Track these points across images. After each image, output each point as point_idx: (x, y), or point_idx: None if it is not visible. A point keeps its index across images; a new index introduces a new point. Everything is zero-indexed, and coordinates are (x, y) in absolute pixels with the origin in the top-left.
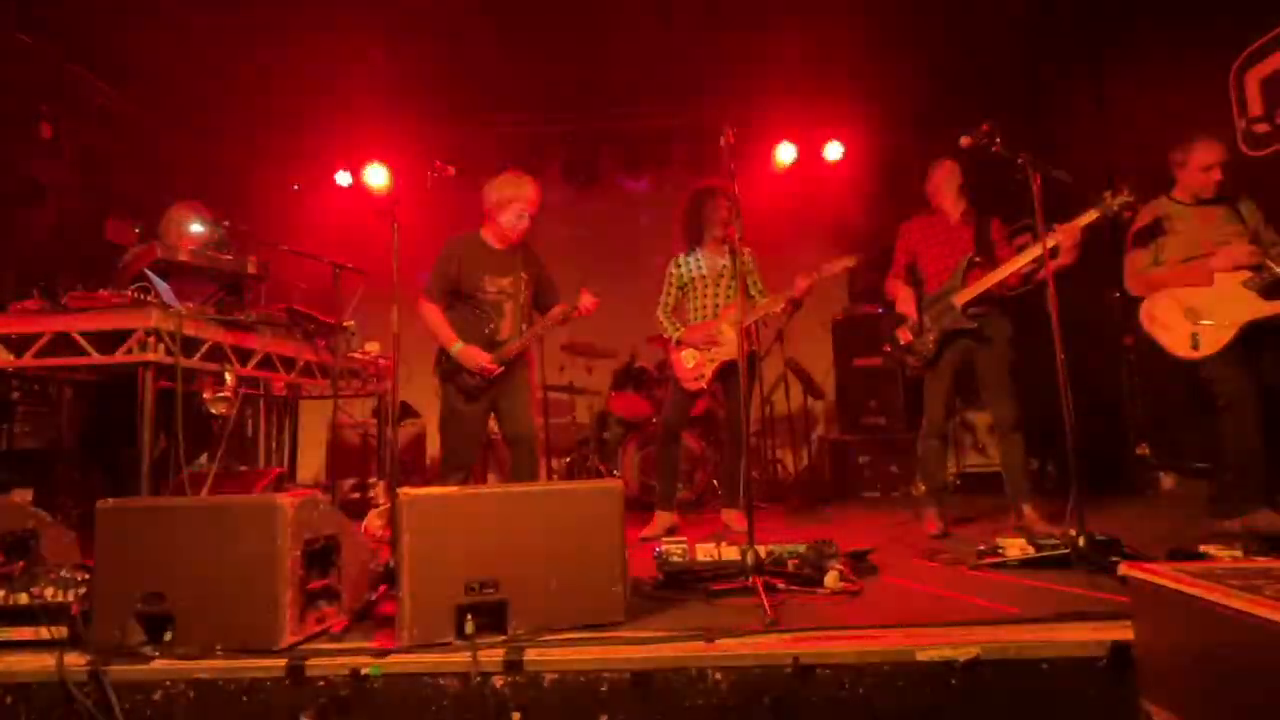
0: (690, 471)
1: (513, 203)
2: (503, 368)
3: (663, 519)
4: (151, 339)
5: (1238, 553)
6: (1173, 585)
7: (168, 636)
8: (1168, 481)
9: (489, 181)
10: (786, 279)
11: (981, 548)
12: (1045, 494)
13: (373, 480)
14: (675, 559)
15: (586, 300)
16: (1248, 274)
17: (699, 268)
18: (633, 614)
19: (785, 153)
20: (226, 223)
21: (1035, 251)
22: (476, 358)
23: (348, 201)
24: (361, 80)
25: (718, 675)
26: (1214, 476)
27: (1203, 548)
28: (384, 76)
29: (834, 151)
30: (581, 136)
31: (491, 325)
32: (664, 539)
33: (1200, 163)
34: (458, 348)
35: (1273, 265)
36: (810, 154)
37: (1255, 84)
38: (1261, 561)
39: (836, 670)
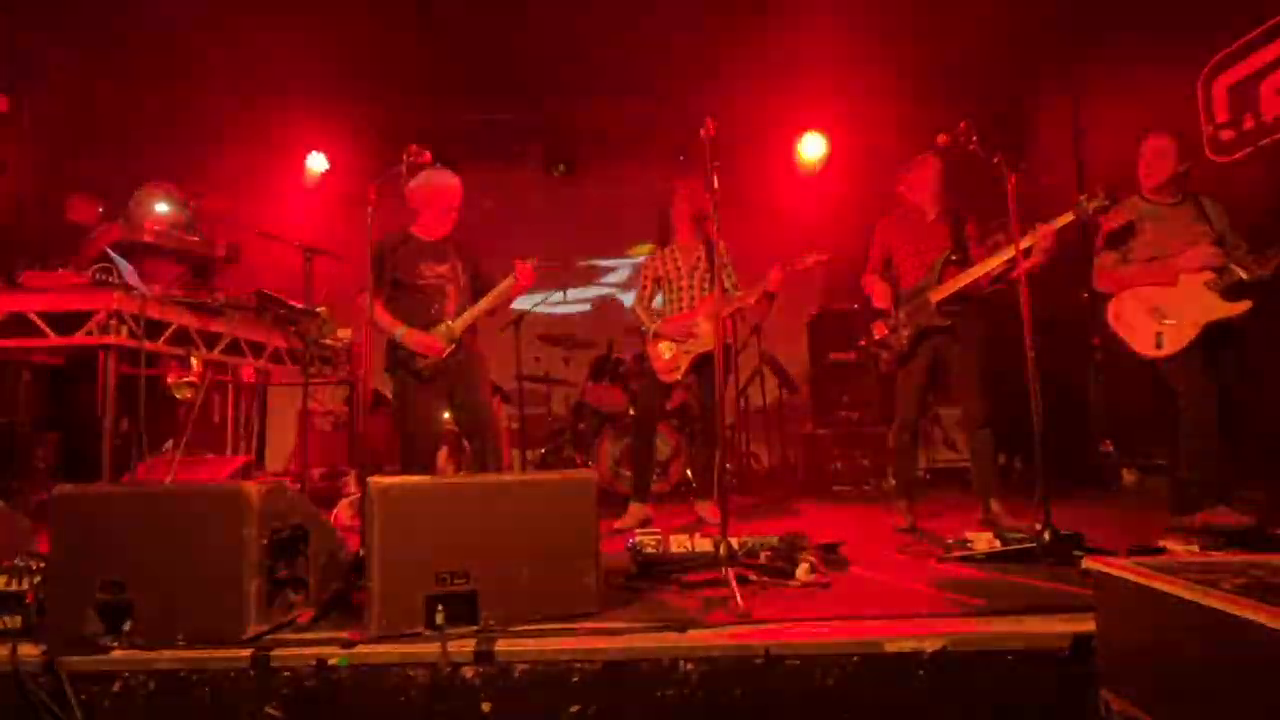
0: (665, 464)
1: (436, 199)
2: (452, 346)
3: (637, 510)
4: (113, 321)
5: (1195, 548)
6: (1133, 579)
7: (127, 626)
8: (1129, 477)
9: (410, 182)
10: (762, 273)
11: (950, 541)
12: (1012, 489)
13: (344, 469)
14: (649, 550)
15: (522, 269)
16: (1210, 275)
17: (674, 261)
18: (605, 605)
19: (767, 147)
20: (193, 202)
21: (1010, 252)
22: (423, 338)
23: (320, 185)
24: (339, 61)
25: (689, 666)
26: (1173, 473)
27: (1162, 543)
28: (362, 59)
29: (814, 148)
30: (563, 125)
31: (436, 306)
32: (638, 530)
33: (1149, 149)
34: (401, 332)
35: (1235, 268)
36: (790, 149)
37: (1222, 91)
38: (1218, 556)
39: (806, 661)
